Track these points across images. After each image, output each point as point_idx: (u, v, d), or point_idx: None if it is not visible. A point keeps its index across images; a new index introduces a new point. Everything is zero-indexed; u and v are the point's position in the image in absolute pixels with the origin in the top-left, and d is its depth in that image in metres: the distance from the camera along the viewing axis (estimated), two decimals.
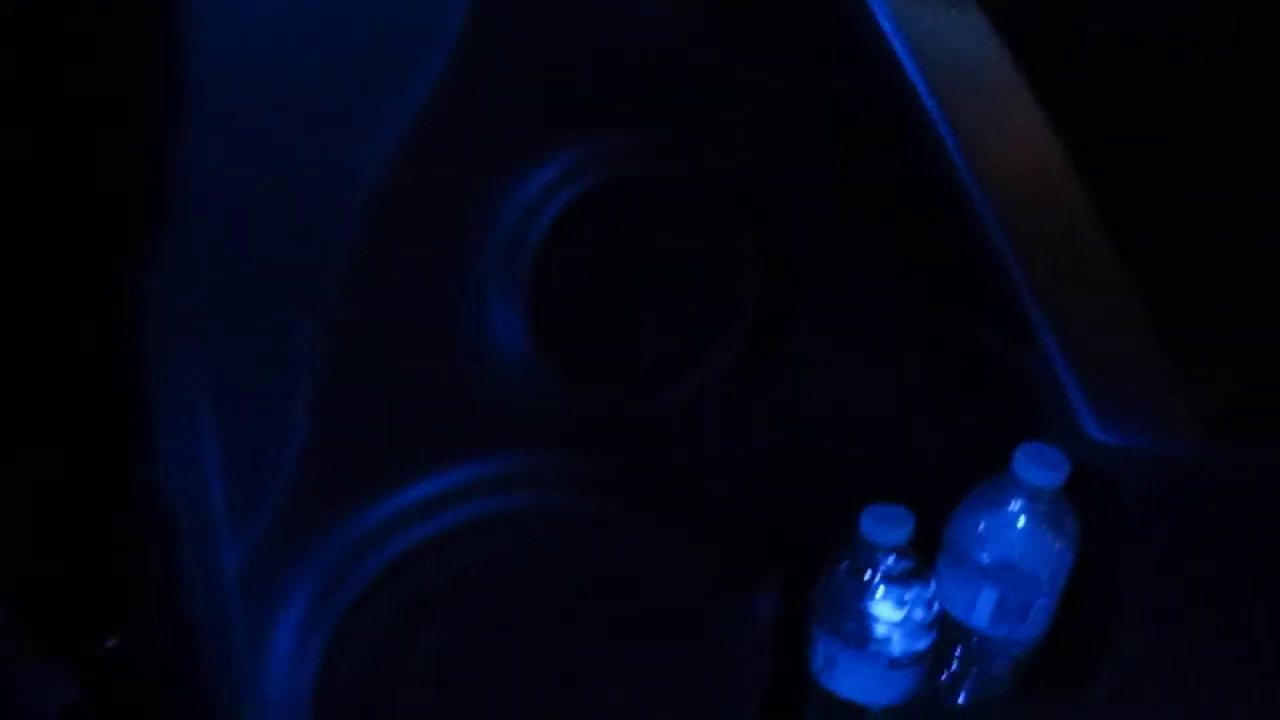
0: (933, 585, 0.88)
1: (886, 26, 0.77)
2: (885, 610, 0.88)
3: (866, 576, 0.88)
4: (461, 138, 0.72)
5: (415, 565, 0.79)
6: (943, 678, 0.92)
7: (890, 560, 0.88)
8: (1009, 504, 0.86)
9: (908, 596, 0.88)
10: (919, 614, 0.88)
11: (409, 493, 0.78)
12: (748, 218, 0.76)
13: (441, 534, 0.79)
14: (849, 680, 0.90)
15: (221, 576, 0.85)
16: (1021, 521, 0.86)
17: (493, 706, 0.83)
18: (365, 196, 0.72)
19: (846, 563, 0.88)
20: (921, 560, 0.89)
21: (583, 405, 0.77)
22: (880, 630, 0.88)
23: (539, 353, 0.76)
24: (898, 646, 0.88)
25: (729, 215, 0.76)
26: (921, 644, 0.88)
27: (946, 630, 0.90)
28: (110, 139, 0.75)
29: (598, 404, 0.78)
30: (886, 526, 0.87)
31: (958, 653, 0.91)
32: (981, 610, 0.88)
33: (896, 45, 0.78)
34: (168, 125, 0.71)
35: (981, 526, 0.87)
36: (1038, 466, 0.85)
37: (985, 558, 0.87)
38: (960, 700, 0.92)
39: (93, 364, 0.81)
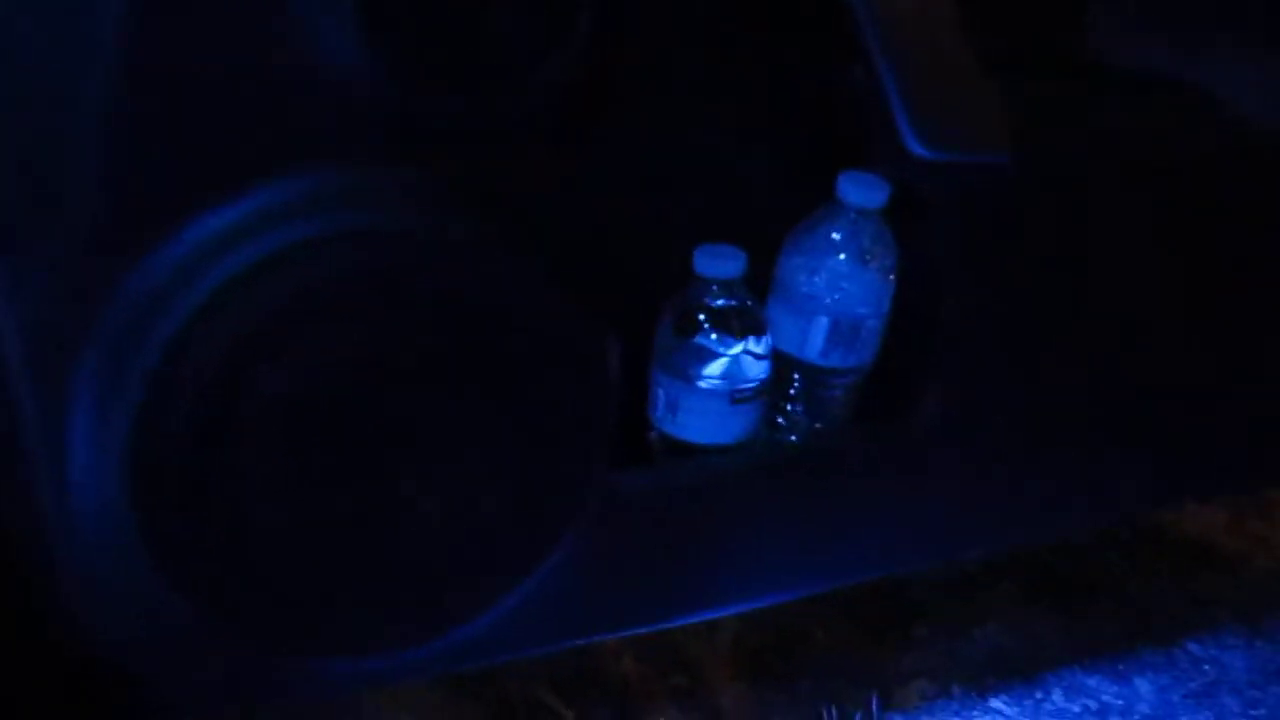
0: (766, 318, 0.90)
1: None
2: (723, 345, 0.89)
3: (702, 313, 0.89)
4: None
5: (240, 295, 0.73)
6: (779, 419, 0.94)
7: (724, 296, 0.89)
8: (834, 230, 0.89)
9: (743, 330, 0.89)
10: (755, 347, 0.90)
11: (227, 214, 0.72)
12: None
13: (266, 259, 0.73)
14: (691, 421, 0.90)
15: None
16: (847, 246, 0.89)
17: (331, 455, 0.78)
18: None
19: (683, 301, 0.89)
20: (755, 297, 0.90)
21: (415, 112, 0.74)
22: (718, 366, 0.89)
23: (369, 52, 0.71)
24: (735, 381, 0.89)
25: None
26: (758, 377, 0.90)
27: (781, 369, 0.92)
28: None
29: (431, 111, 0.74)
30: (719, 261, 0.88)
31: (793, 390, 0.93)
32: (814, 341, 0.90)
33: None
34: None
35: (809, 255, 0.90)
36: (860, 188, 0.88)
37: (814, 286, 0.90)
38: (795, 438, 0.94)
39: None
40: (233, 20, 0.70)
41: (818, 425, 0.94)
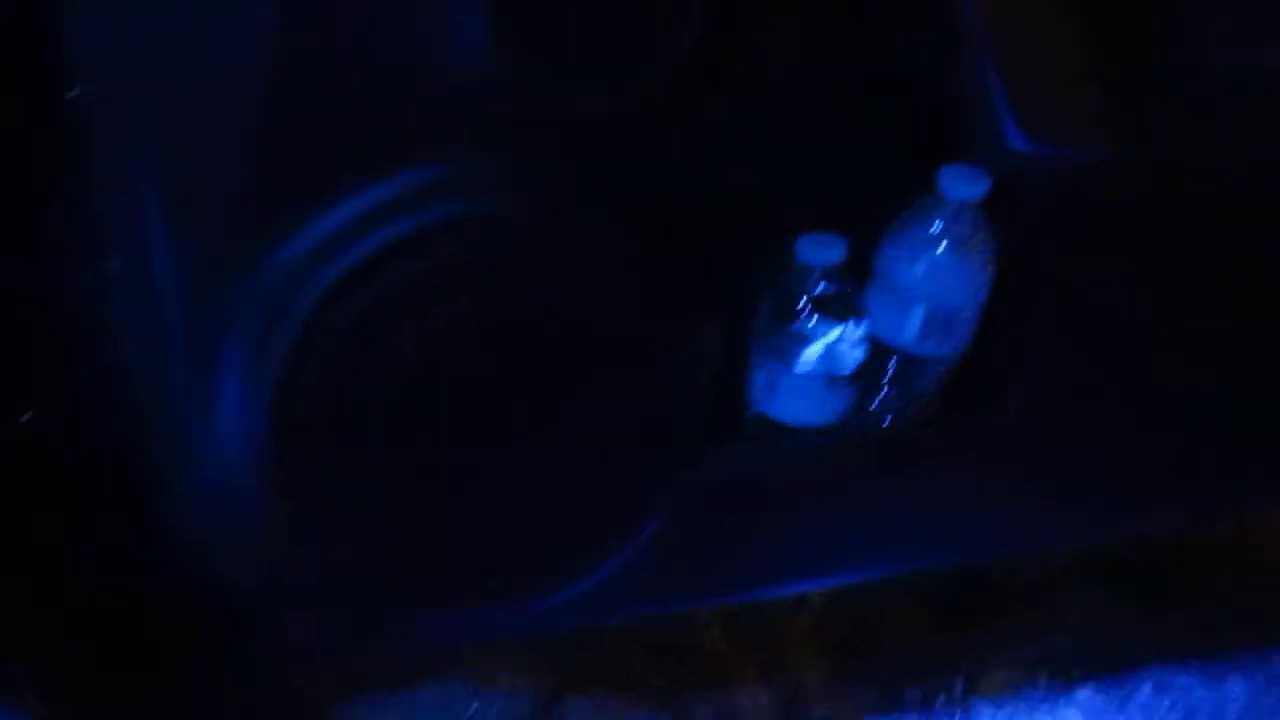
0: (864, 305, 0.92)
1: None
2: (821, 330, 0.92)
3: (803, 299, 0.92)
4: None
5: (374, 272, 0.78)
6: (871, 405, 0.97)
7: (825, 282, 0.91)
8: (934, 221, 0.90)
9: (842, 316, 0.92)
10: (852, 333, 0.92)
11: (365, 195, 0.78)
12: None
13: (395, 242, 0.78)
14: (788, 402, 0.93)
15: (158, 314, 0.83)
16: (946, 237, 0.90)
17: (447, 419, 0.83)
18: None
19: (783, 286, 0.92)
20: (853, 284, 0.93)
21: (537, 103, 0.78)
22: (816, 350, 0.92)
23: (496, 42, 0.75)
24: (832, 365, 0.92)
25: None
26: (854, 362, 0.92)
27: (877, 354, 0.94)
28: None
29: (552, 102, 0.78)
30: (821, 249, 0.91)
31: (886, 375, 0.95)
32: (910, 329, 0.93)
33: None
34: None
35: (908, 246, 0.91)
36: (961, 181, 0.89)
37: (912, 276, 0.91)
38: (888, 421, 0.96)
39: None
40: (373, 16, 0.75)
41: (908, 409, 0.96)
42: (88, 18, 0.78)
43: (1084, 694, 1.27)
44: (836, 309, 0.92)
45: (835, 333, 0.92)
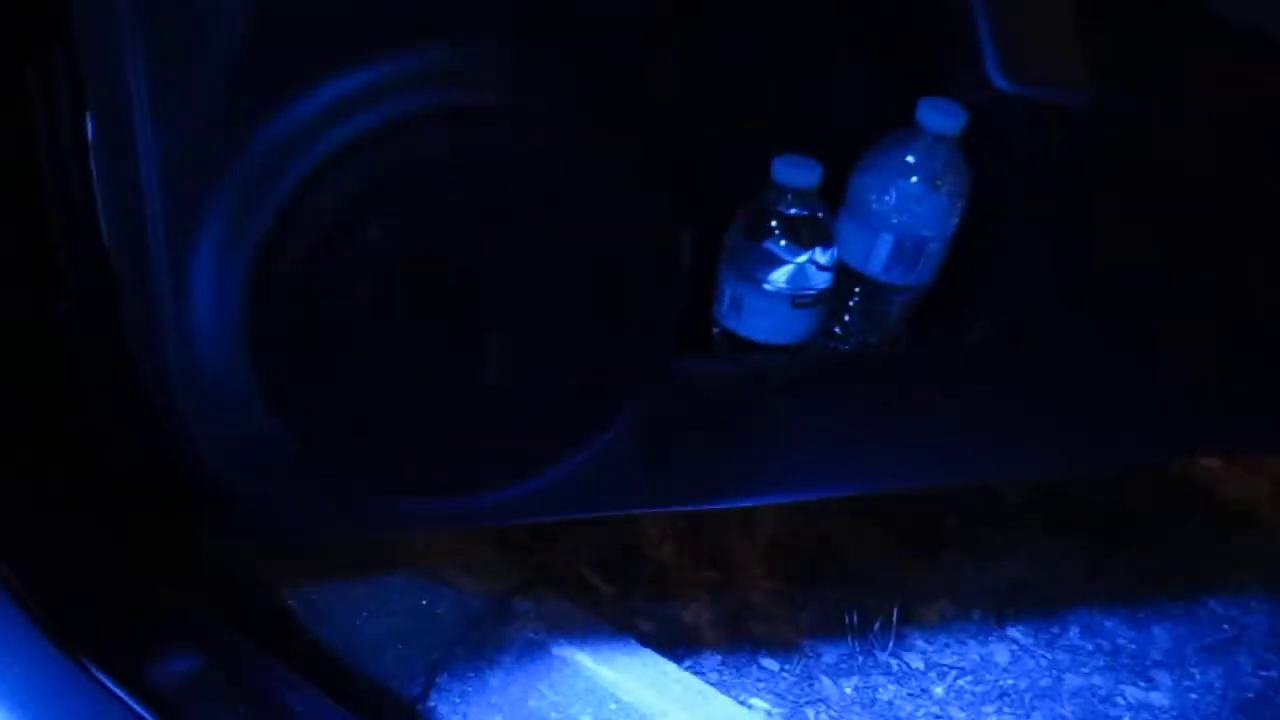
0: (834, 231, 0.94)
1: None
2: (790, 251, 0.94)
3: (774, 220, 0.93)
4: None
5: (353, 159, 0.79)
6: (836, 329, 0.99)
7: (797, 205, 0.93)
8: (909, 152, 0.92)
9: (811, 240, 0.94)
10: (820, 256, 0.94)
11: (348, 82, 0.78)
12: None
13: (374, 130, 0.79)
14: (753, 320, 0.95)
15: (138, 191, 0.83)
16: (920, 169, 0.92)
17: (422, 313, 0.85)
18: None
19: (757, 206, 0.93)
20: (826, 209, 0.95)
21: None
22: (783, 271, 0.94)
23: None
24: (798, 287, 0.94)
25: None
26: (820, 285, 0.94)
27: (844, 280, 0.96)
28: None
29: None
30: (796, 170, 0.92)
31: (852, 301, 0.98)
32: (877, 257, 0.95)
33: None
34: None
35: (881, 175, 0.93)
36: (939, 115, 0.91)
37: (883, 205, 0.93)
38: (852, 345, 0.98)
39: None
40: None
41: (871, 336, 0.99)
42: None
43: (1014, 631, 1.31)
44: (806, 231, 0.94)
45: (803, 256, 0.94)
